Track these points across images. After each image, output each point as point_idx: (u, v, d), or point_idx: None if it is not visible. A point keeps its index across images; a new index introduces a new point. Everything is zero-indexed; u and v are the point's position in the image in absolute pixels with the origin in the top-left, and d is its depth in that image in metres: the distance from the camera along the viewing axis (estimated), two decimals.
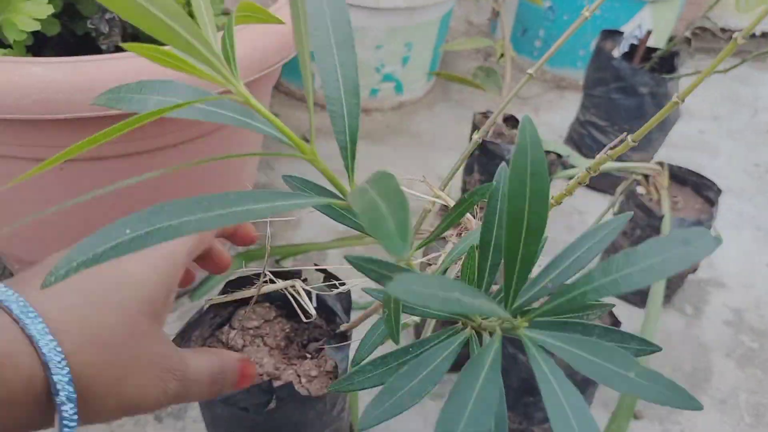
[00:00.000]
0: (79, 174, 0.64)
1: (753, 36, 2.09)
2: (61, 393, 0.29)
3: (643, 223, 0.98)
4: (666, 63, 1.23)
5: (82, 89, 0.55)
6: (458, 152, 1.40)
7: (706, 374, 0.97)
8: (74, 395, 0.30)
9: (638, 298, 1.04)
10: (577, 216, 1.27)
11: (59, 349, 0.30)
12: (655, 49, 1.23)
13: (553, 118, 1.55)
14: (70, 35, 0.72)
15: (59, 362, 0.29)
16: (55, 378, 0.29)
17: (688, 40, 1.17)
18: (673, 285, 1.05)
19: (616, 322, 0.73)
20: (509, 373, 0.72)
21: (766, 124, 1.65)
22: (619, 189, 1.04)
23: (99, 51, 0.68)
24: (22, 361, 0.29)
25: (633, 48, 1.25)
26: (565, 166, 1.06)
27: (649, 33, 1.20)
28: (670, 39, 1.76)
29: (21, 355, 0.29)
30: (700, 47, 1.99)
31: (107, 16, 0.67)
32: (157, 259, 0.35)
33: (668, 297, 1.07)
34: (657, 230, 0.96)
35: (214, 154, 0.72)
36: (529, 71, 0.51)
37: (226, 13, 0.84)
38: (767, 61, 1.99)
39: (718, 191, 1.00)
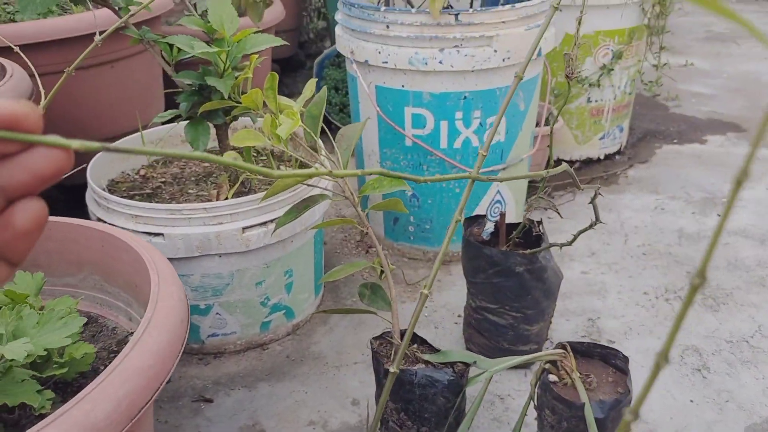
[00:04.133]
0: None
1: (596, 161, 2.28)
2: None
3: (567, 415, 0.96)
4: (529, 232, 1.28)
5: None
6: (365, 365, 1.35)
7: None
8: None
9: None
10: (499, 404, 1.24)
11: None
12: (516, 224, 1.28)
13: (449, 298, 1.56)
14: None
15: None
16: None
17: (533, 223, 1.23)
18: None
19: None
20: None
21: (639, 248, 1.75)
22: (532, 380, 1.03)
23: None
24: None
25: (497, 227, 1.30)
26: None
27: (503, 215, 1.25)
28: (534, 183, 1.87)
29: None
30: (557, 185, 2.12)
31: None
32: None
33: None
34: (582, 419, 0.94)
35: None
36: None
37: None
38: (620, 183, 2.14)
39: (625, 358, 1.01)
